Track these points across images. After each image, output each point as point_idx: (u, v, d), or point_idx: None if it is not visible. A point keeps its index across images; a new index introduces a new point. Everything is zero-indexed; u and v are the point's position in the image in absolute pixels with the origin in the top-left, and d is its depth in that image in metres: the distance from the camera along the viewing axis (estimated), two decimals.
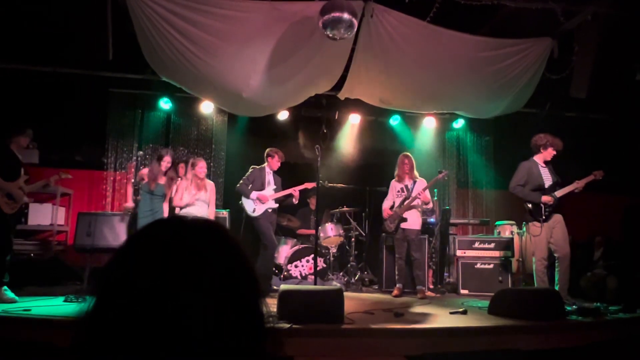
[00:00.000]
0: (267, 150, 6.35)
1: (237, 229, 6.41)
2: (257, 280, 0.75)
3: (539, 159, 5.53)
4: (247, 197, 6.08)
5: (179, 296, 0.64)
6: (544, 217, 5.29)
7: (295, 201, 6.38)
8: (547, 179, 5.42)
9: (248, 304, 0.71)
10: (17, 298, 4.57)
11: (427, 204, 6.24)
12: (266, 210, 6.09)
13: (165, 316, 0.63)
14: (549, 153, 5.49)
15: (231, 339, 0.66)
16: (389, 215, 6.18)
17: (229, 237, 0.75)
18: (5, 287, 4.58)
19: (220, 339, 0.65)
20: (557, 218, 5.34)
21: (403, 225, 6.10)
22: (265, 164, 6.31)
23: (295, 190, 6.27)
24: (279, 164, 6.32)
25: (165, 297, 0.64)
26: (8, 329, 3.65)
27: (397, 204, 6.20)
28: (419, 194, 6.04)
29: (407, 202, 6.10)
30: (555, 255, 5.29)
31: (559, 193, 5.33)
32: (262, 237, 6.02)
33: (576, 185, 5.34)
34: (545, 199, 5.28)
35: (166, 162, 5.50)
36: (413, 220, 6.15)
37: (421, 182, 6.24)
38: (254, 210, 6.05)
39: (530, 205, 5.38)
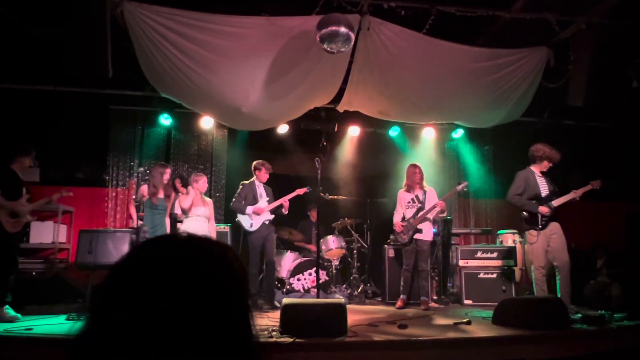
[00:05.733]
0: (254, 163, 6.35)
1: (239, 243, 6.41)
2: (247, 295, 0.75)
3: (535, 168, 5.56)
4: (243, 212, 6.09)
5: (162, 304, 0.66)
6: (540, 226, 5.31)
7: (284, 211, 6.30)
8: (544, 188, 5.45)
9: (236, 316, 0.72)
10: (19, 316, 4.56)
11: (443, 212, 6.23)
12: (263, 223, 6.10)
13: (149, 324, 0.65)
14: (544, 165, 5.52)
15: (215, 349, 0.67)
16: (403, 227, 6.10)
17: (220, 251, 0.76)
18: (7, 306, 4.58)
19: (201, 348, 0.66)
20: (555, 227, 5.34)
21: (417, 236, 6.05)
22: (254, 177, 6.32)
23: (285, 200, 6.25)
24: (267, 176, 6.32)
25: (149, 306, 0.66)
26: (10, 349, 3.63)
27: (409, 215, 6.14)
28: (438, 203, 6.01)
29: (422, 212, 6.04)
30: (554, 264, 5.29)
31: (555, 202, 5.34)
32: (250, 253, 6.02)
33: (573, 195, 5.35)
34: (543, 209, 5.30)
35: (167, 174, 5.54)
36: (427, 232, 6.10)
37: (432, 192, 6.22)
38: (251, 225, 6.06)
39: (526, 214, 5.40)
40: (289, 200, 6.29)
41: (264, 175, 6.29)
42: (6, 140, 5.69)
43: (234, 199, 6.22)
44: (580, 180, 5.54)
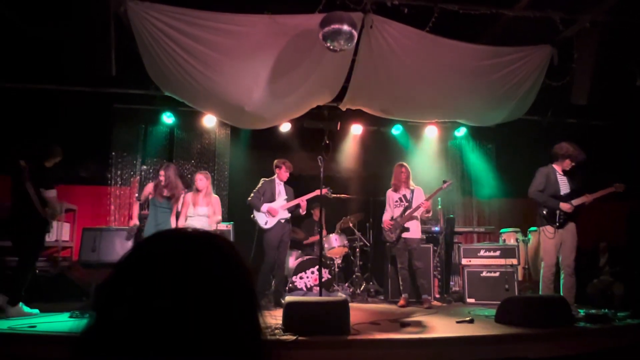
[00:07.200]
0: (275, 161, 6.32)
1: (246, 242, 6.39)
2: (253, 292, 0.74)
3: (557, 166, 5.50)
4: (259, 210, 6.04)
5: (162, 302, 0.65)
6: (558, 224, 5.28)
7: (302, 212, 6.31)
8: (564, 187, 5.40)
9: (238, 314, 0.71)
10: (32, 311, 4.66)
11: (429, 212, 6.25)
12: (278, 222, 6.07)
13: (149, 322, 0.64)
14: (567, 164, 5.45)
15: (216, 348, 0.66)
16: (390, 226, 6.16)
17: (225, 248, 0.75)
18: (21, 302, 4.66)
19: (201, 347, 0.65)
20: (571, 227, 5.31)
21: (405, 234, 6.08)
22: (275, 175, 6.29)
23: (303, 200, 6.24)
24: (287, 174, 6.28)
25: (149, 303, 0.65)
26: (14, 346, 3.64)
27: (397, 214, 6.19)
28: (422, 203, 6.03)
29: (409, 211, 6.08)
30: (560, 262, 5.28)
31: (576, 202, 5.28)
32: (265, 250, 6.00)
33: (585, 199, 5.28)
34: (565, 206, 5.25)
35: (171, 171, 5.56)
36: (414, 230, 6.14)
37: (419, 191, 6.25)
38: (266, 223, 6.03)
39: (545, 211, 5.37)
40: (307, 200, 6.28)
41: (284, 173, 6.25)
42: (7, 140, 5.72)
43: (252, 194, 6.14)
44: (582, 180, 5.51)
